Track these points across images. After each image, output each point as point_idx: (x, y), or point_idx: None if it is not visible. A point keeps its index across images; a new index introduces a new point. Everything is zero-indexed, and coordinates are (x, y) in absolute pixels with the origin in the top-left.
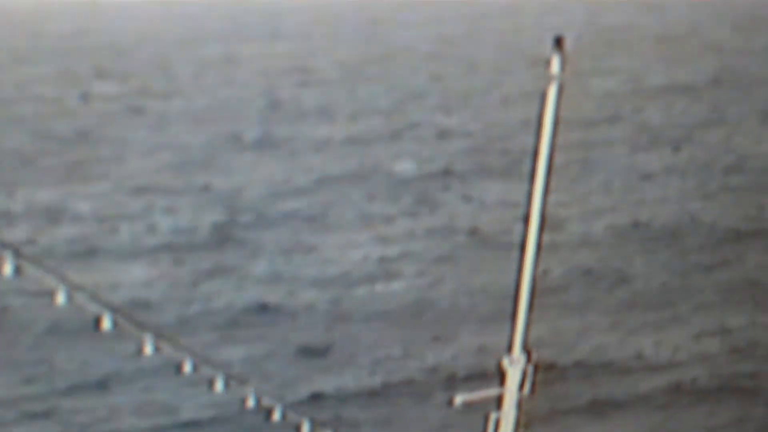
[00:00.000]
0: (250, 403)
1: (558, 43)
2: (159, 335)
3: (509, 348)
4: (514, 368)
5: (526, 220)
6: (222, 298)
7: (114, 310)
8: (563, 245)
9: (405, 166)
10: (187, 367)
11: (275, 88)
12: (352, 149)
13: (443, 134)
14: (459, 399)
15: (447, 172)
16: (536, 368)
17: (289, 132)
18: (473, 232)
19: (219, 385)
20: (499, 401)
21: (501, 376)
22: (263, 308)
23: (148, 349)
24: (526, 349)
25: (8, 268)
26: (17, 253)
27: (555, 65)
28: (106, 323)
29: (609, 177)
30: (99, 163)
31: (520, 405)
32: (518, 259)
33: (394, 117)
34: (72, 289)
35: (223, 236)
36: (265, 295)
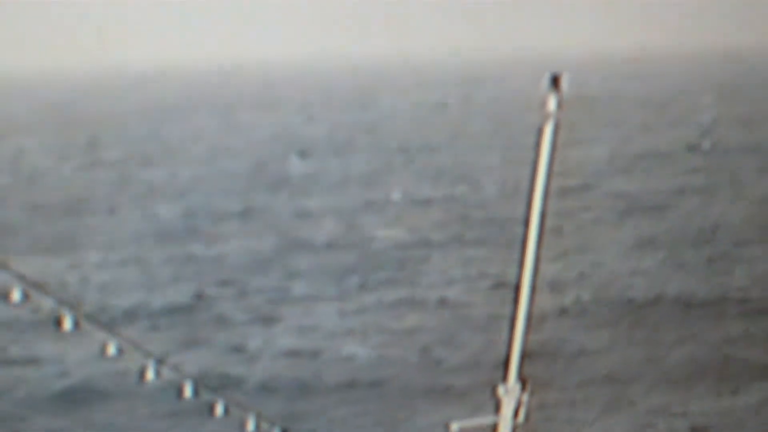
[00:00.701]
0: None
1: (555, 81)
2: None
3: (504, 376)
4: (509, 397)
5: (521, 264)
6: (188, 369)
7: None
8: None
9: (383, 235)
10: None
11: (263, 158)
12: (334, 218)
13: (425, 202)
14: (455, 427)
15: (424, 241)
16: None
17: (272, 202)
18: (442, 302)
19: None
20: (494, 429)
21: (496, 404)
22: (228, 380)
23: (150, 375)
24: (521, 378)
25: (16, 295)
26: (25, 281)
27: (551, 103)
28: (112, 350)
29: (579, 246)
30: (83, 234)
31: None
32: (517, 282)
33: (378, 186)
34: (78, 315)
35: (196, 306)
36: (230, 366)
